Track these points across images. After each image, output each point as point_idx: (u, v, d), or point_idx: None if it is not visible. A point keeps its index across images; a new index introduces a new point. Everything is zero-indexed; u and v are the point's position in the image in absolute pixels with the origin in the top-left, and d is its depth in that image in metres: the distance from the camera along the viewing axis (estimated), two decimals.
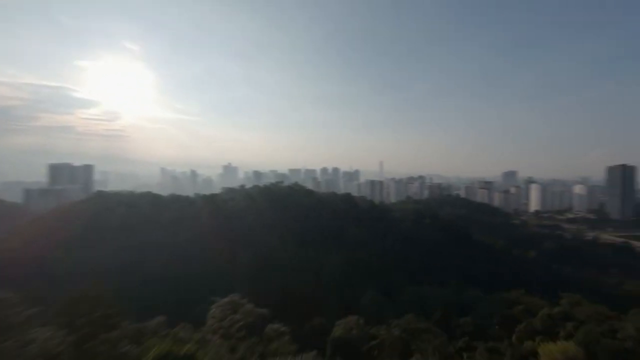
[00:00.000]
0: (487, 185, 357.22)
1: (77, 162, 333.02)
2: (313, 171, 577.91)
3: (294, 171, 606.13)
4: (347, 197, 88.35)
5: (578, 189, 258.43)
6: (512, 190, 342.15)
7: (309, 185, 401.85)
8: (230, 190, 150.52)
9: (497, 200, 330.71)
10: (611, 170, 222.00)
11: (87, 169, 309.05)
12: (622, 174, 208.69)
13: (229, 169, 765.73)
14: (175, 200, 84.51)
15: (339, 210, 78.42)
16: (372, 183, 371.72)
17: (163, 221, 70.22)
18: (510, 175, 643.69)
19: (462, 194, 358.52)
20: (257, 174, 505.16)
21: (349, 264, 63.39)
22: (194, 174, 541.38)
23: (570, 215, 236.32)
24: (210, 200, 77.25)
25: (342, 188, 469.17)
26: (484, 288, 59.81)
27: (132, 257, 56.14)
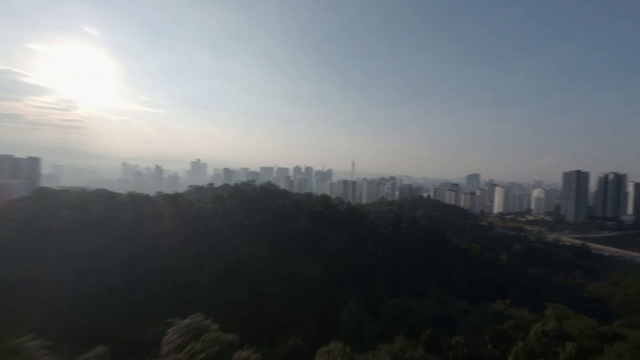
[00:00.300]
0: (455, 187, 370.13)
1: (23, 154, 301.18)
2: (286, 170, 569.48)
3: (266, 169, 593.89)
4: (324, 199, 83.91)
5: (536, 193, 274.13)
6: (477, 192, 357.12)
7: (282, 185, 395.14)
8: (197, 189, 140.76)
9: (463, 201, 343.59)
10: (567, 175, 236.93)
11: (33, 161, 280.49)
12: (576, 179, 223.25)
13: (197, 166, 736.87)
14: (133, 200, 75.39)
15: (315, 213, 73.68)
16: (345, 183, 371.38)
17: (116, 224, 61.63)
18: (473, 177, 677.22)
19: (432, 195, 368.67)
20: (228, 172, 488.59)
21: (327, 272, 58.96)
22: (158, 170, 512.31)
23: (530, 217, 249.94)
24: (174, 201, 69.33)
25: (315, 187, 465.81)
26: (466, 296, 57.96)
27: (75, 268, 47.75)
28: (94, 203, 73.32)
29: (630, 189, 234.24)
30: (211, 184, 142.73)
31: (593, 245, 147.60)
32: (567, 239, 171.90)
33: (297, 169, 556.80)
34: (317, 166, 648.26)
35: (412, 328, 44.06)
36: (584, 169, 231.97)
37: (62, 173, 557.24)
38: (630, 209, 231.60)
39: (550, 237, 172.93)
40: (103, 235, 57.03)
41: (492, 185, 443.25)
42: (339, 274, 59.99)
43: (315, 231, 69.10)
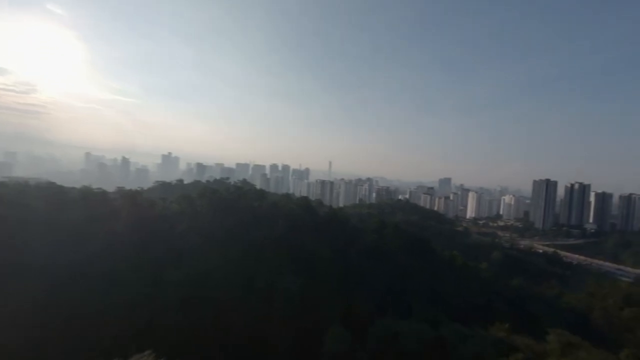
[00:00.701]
0: (430, 191, 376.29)
1: None
2: (262, 167, 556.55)
3: (242, 166, 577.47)
4: (304, 202, 77.81)
5: (507, 199, 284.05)
6: (451, 197, 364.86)
7: (258, 183, 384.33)
8: (164, 186, 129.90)
9: (437, 205, 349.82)
10: (536, 184, 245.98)
11: None
12: (545, 188, 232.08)
13: (168, 159, 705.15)
14: (86, 196, 65.39)
15: (295, 218, 67.42)
16: (322, 183, 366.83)
17: (60, 227, 52.10)
18: (445, 181, 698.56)
19: (408, 198, 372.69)
20: (201, 167, 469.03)
21: (307, 286, 52.94)
22: (125, 162, 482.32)
23: (501, 223, 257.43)
24: (133, 199, 60.44)
25: (292, 187, 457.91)
26: (455, 313, 54.28)
27: (1, 283, 38.56)
28: (36, 199, 62.72)
29: (592, 198, 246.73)
30: (180, 180, 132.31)
31: (562, 253, 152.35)
32: (537, 245, 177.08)
33: (273, 166, 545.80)
34: (294, 164, 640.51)
35: (404, 356, 39.27)
36: (544, 177, 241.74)
37: (16, 161, 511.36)
38: (591, 218, 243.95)
39: (522, 243, 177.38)
40: (41, 241, 47.57)
41: (465, 190, 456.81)
42: (320, 289, 54.22)
43: (295, 238, 62.86)
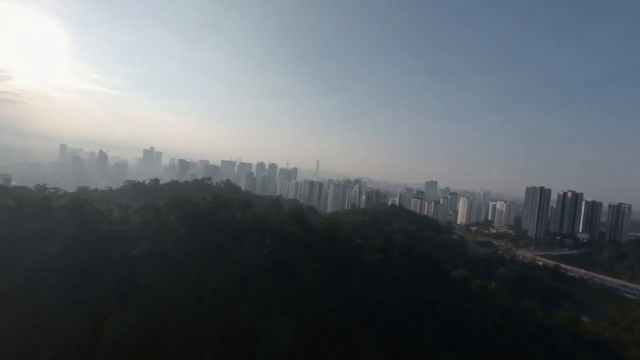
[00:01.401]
0: (420, 195, 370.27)
1: None
2: (248, 165, 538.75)
3: (227, 164, 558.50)
4: (296, 214, 65.88)
5: (498, 205, 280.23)
6: (441, 201, 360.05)
7: (243, 182, 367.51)
8: (135, 187, 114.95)
9: (427, 209, 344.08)
10: (530, 191, 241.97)
11: None
12: (539, 195, 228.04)
13: (150, 154, 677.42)
14: (21, 204, 51.27)
15: (286, 235, 55.38)
16: (311, 185, 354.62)
17: None
18: (432, 184, 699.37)
19: (397, 201, 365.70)
20: (184, 164, 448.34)
21: (301, 325, 41.22)
22: (102, 156, 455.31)
23: (493, 230, 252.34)
24: (77, 210, 46.94)
25: (279, 187, 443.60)
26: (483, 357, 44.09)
27: None
28: None
29: (582, 207, 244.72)
30: (156, 180, 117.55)
31: (563, 265, 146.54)
32: (532, 255, 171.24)
33: (260, 165, 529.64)
34: (281, 163, 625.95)
35: None
36: (528, 182, 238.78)
37: None
38: (581, 227, 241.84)
39: (519, 253, 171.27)
40: None
41: (453, 194, 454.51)
42: (317, 329, 42.61)
43: (286, 261, 50.89)
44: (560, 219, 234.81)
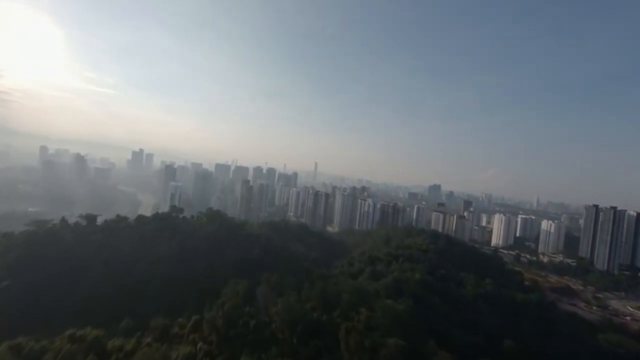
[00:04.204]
0: (441, 208, 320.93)
1: None
2: (245, 169, 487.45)
3: (222, 167, 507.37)
4: None
5: (545, 225, 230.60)
6: (466, 215, 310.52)
7: (239, 191, 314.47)
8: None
9: (448, 224, 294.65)
10: (596, 211, 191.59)
11: None
12: (612, 217, 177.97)
13: (139, 156, 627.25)
14: None
15: None
16: (315, 195, 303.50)
17: None
18: (435, 188, 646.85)
19: (414, 216, 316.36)
20: (170, 170, 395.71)
21: None
22: (80, 159, 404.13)
23: (544, 258, 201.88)
24: None
25: (278, 196, 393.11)
26: None
27: None
28: None
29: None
30: (63, 223, 67.03)
31: None
32: (633, 310, 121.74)
33: (257, 169, 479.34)
34: (279, 164, 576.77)
35: None
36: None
37: None
38: None
39: (611, 306, 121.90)
40: None
41: (468, 202, 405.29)
42: None
43: None
44: (632, 247, 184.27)
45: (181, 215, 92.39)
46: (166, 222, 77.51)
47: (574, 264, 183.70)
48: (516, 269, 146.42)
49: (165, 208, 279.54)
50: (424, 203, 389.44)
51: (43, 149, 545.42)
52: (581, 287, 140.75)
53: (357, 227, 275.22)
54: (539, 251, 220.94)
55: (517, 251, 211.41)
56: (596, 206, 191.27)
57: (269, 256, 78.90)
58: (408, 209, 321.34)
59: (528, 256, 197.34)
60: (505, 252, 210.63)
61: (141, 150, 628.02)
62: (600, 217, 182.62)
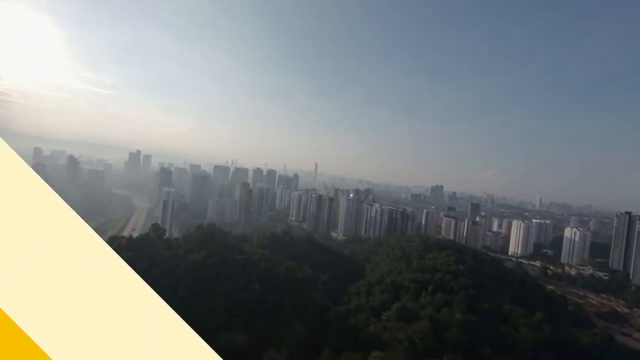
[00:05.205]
0: (452, 213, 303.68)
1: None
2: (244, 171, 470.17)
3: (220, 169, 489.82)
4: None
5: (568, 232, 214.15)
6: (478, 220, 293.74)
7: (238, 196, 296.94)
8: None
9: (459, 230, 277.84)
10: (623, 219, 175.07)
11: None
12: None
13: (136, 158, 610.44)
14: None
15: None
16: (319, 200, 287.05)
17: None
18: (437, 189, 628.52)
19: (423, 221, 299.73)
20: (166, 173, 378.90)
21: None
22: (72, 161, 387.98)
23: (572, 271, 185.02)
24: None
25: (279, 200, 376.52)
26: None
27: None
28: None
29: None
30: None
31: None
32: None
33: (257, 171, 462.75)
34: (279, 166, 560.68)
35: None
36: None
37: None
38: None
39: None
40: None
41: (476, 204, 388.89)
42: None
43: None
44: None
45: (164, 236, 75.82)
46: (141, 251, 60.85)
47: (606, 277, 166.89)
48: (550, 287, 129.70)
49: (159, 214, 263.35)
50: (432, 207, 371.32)
51: (37, 150, 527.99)
52: (627, 310, 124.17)
53: (363, 233, 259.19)
54: (562, 260, 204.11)
55: (539, 262, 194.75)
56: (629, 213, 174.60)
57: (270, 292, 62.01)
58: (415, 212, 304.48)
59: (552, 267, 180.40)
60: (526, 262, 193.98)
61: (138, 152, 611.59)
62: (637, 226, 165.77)
